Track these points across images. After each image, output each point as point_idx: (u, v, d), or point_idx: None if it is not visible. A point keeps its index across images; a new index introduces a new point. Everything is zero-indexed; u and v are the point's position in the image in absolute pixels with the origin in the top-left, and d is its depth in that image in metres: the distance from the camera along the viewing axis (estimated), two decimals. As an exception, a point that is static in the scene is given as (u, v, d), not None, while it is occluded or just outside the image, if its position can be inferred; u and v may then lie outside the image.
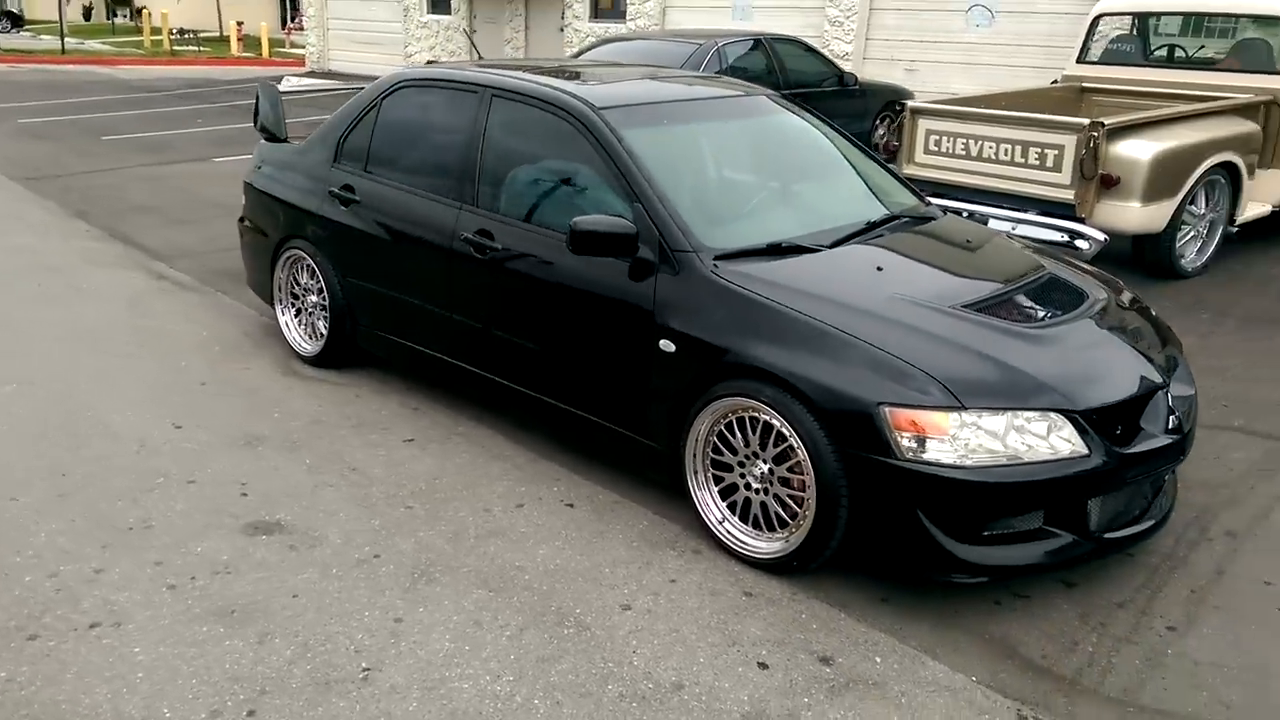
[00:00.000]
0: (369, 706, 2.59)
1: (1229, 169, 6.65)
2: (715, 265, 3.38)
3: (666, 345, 3.38)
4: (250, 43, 29.00)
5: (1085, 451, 2.92)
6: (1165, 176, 6.19)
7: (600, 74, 4.49)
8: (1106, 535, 3.08)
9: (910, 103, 7.10)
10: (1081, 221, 6.19)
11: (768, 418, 3.13)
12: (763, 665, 2.80)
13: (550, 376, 3.86)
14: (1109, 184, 6.13)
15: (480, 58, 5.51)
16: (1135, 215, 6.19)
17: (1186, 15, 8.17)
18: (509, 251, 3.92)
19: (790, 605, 3.08)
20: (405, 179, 4.45)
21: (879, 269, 3.50)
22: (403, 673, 2.72)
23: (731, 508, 3.36)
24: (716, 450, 3.35)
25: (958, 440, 2.86)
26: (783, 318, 3.15)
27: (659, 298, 3.43)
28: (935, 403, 2.88)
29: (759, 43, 9.26)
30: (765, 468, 3.21)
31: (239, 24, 27.71)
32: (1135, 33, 8.21)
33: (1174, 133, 6.33)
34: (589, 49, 9.65)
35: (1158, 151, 6.13)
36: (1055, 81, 8.59)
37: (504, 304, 3.96)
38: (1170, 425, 3.16)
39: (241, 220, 5.40)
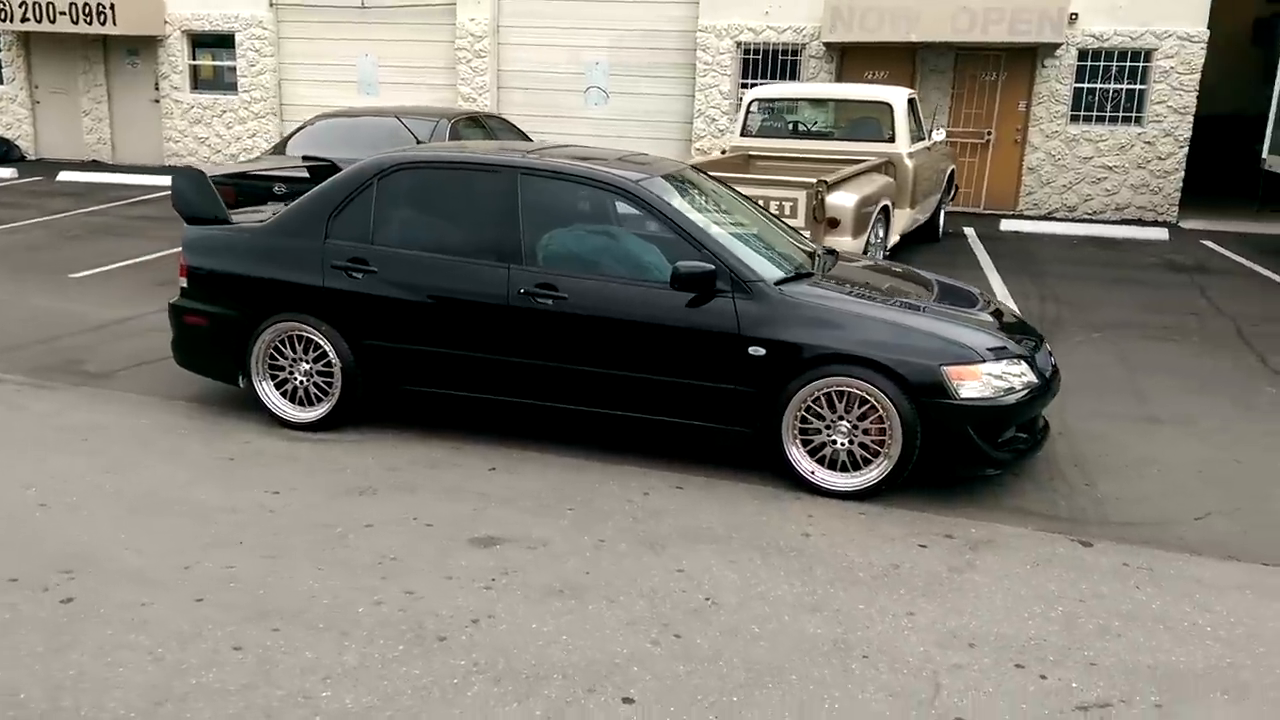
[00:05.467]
0: (744, 611, 3.52)
1: (885, 210, 9.21)
2: (780, 289, 4.68)
3: (756, 351, 4.60)
4: None
5: (1038, 381, 4.70)
6: (862, 217, 8.50)
7: (579, 153, 5.47)
8: (1038, 437, 4.91)
9: (662, 169, 8.74)
10: (817, 254, 8.26)
11: (852, 389, 4.50)
12: (922, 546, 4.16)
13: (630, 394, 4.81)
14: (833, 225, 8.29)
15: (419, 141, 6.11)
16: (849, 246, 8.39)
17: (815, 100, 10.83)
18: (577, 299, 4.80)
19: (896, 514, 4.46)
20: (428, 247, 5.06)
21: (867, 283, 5.04)
22: (732, 594, 3.67)
23: (819, 462, 4.66)
24: (804, 420, 4.63)
25: (984, 382, 4.48)
26: (857, 318, 4.56)
27: (741, 317, 4.63)
28: (969, 359, 4.48)
29: (476, 119, 10.35)
30: (848, 425, 4.57)
31: None
32: (780, 113, 10.71)
33: (858, 186, 8.69)
34: (313, 122, 9.94)
35: (856, 200, 8.40)
36: (724, 151, 10.81)
37: (578, 341, 4.82)
38: (1052, 365, 5.08)
39: (185, 304, 5.43)
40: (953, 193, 12.20)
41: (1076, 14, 12.98)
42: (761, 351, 4.60)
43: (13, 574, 3.68)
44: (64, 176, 15.40)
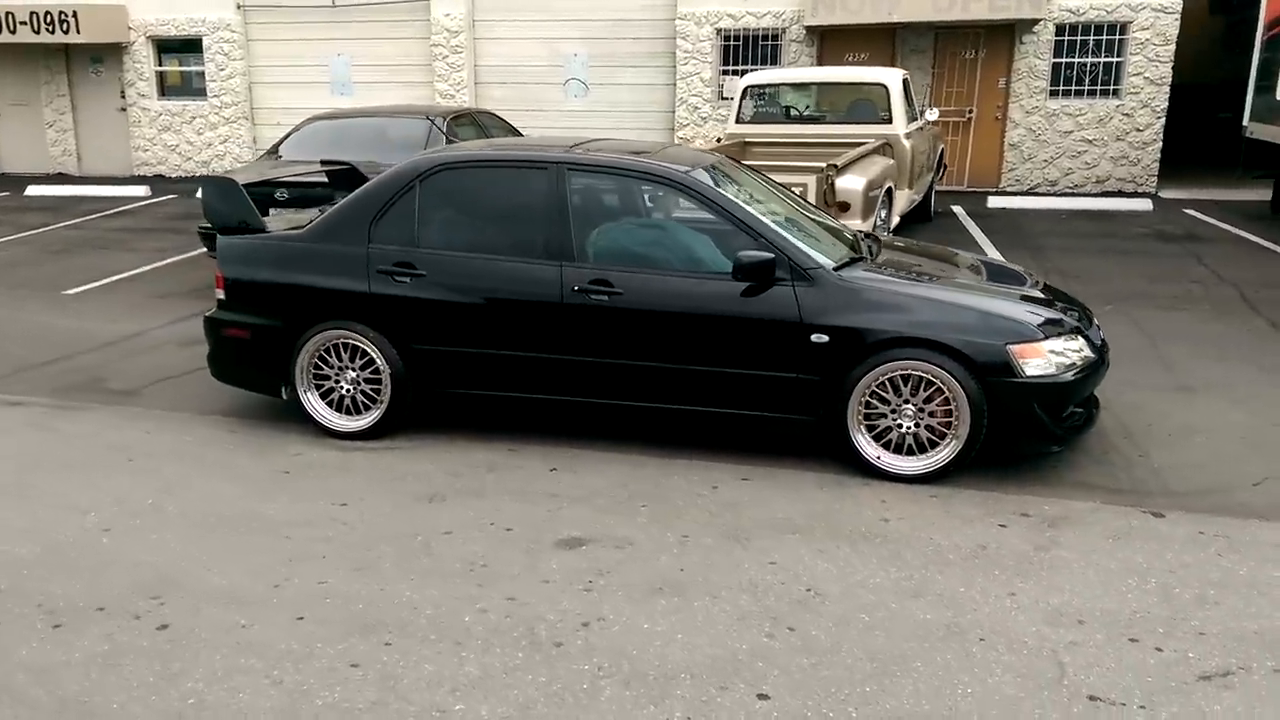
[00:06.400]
0: (849, 600, 3.53)
1: (888, 192, 9.25)
2: (839, 275, 4.68)
3: (819, 338, 4.59)
4: None
5: (1094, 355, 4.75)
6: (870, 199, 8.53)
7: (619, 146, 5.41)
8: (1091, 412, 4.96)
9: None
10: (828, 238, 8.27)
11: (918, 372, 4.51)
12: (1002, 525, 4.19)
13: (691, 388, 4.78)
14: (844, 208, 8.30)
15: (448, 140, 6.03)
16: (860, 228, 8.42)
17: (809, 84, 10.83)
18: (633, 294, 4.76)
19: (966, 495, 4.49)
20: (475, 248, 5.00)
21: (918, 266, 5.05)
22: (832, 584, 3.67)
23: (884, 446, 4.67)
24: (867, 405, 4.64)
25: (1047, 359, 4.51)
26: (918, 300, 4.57)
27: (803, 305, 4.62)
28: (1034, 337, 4.51)
29: (469, 116, 10.23)
30: (914, 409, 4.58)
31: None
32: (774, 99, 10.70)
33: (864, 168, 8.71)
34: (302, 126, 9.76)
35: (864, 183, 8.43)
36: (720, 140, 10.78)
37: (636, 337, 4.78)
38: (1102, 338, 5.13)
39: (224, 316, 5.32)
40: (942, 172, 12.29)
41: (1052, -11, 13.13)
42: (824, 338, 4.59)
43: (99, 603, 3.58)
44: (33, 190, 15.03)
